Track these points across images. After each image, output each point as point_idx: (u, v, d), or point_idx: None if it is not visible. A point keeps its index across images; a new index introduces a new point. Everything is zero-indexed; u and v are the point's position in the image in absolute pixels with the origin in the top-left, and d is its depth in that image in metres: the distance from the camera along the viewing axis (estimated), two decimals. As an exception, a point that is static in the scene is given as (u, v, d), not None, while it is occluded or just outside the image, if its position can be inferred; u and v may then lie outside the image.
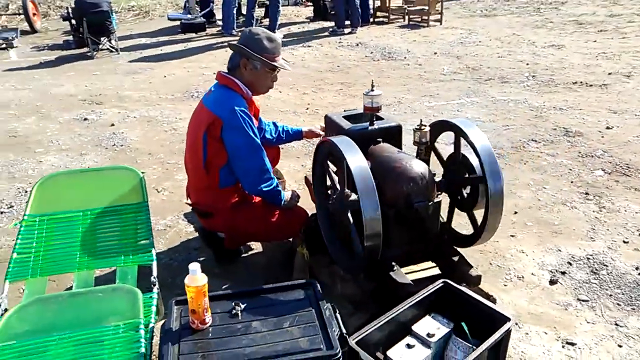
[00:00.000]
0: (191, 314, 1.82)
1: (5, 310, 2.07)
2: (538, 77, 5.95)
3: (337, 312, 1.95)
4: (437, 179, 2.36)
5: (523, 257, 2.81)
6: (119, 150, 4.35)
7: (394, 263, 2.21)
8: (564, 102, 5.14)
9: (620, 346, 2.20)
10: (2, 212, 3.40)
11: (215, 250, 2.83)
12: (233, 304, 1.92)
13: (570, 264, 2.73)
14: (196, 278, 1.78)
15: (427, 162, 2.44)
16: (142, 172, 2.56)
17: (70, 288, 2.23)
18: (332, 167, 2.42)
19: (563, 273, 2.66)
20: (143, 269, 2.30)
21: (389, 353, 1.86)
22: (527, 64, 6.47)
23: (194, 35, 9.08)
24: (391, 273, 2.18)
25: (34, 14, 9.62)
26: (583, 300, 2.47)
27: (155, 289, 2.17)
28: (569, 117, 4.75)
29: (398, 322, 1.94)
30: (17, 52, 8.18)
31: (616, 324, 2.32)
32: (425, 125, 2.38)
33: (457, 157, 2.37)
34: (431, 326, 1.94)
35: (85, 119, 5.04)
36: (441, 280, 2.05)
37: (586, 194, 3.42)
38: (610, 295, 2.50)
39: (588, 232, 3.02)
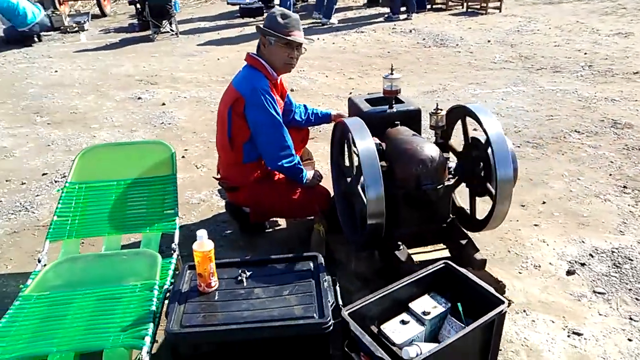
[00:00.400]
0: (198, 277, 1.97)
1: (44, 265, 2.31)
2: (595, 67, 5.69)
3: (337, 284, 2.05)
4: (453, 163, 2.39)
5: (543, 247, 2.77)
6: (167, 128, 4.59)
7: (400, 243, 2.26)
8: (618, 93, 4.90)
9: (630, 340, 2.15)
10: (56, 181, 3.71)
11: (240, 223, 2.98)
12: (240, 271, 2.06)
13: (592, 256, 2.67)
14: (203, 243, 1.92)
15: (444, 146, 2.46)
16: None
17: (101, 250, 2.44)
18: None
19: (582, 265, 2.61)
20: (168, 236, 2.48)
21: (383, 327, 1.93)
22: (585, 53, 6.19)
23: (251, 19, 9.29)
24: (396, 252, 2.24)
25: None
26: (599, 293, 2.42)
27: (175, 255, 2.34)
28: (620, 108, 4.54)
29: (395, 298, 2.00)
30: (87, 34, 8.70)
31: (630, 318, 2.27)
32: (441, 110, 2.40)
33: (472, 143, 2.38)
34: (428, 305, 1.99)
35: (139, 98, 5.35)
36: (442, 261, 2.09)
37: (624, 187, 3.30)
38: (630, 289, 2.43)
39: (618, 226, 2.92)
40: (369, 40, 7.37)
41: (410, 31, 7.67)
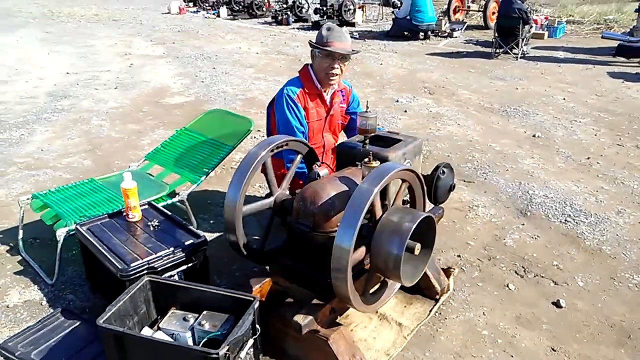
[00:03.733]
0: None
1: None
2: None
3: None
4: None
5: None
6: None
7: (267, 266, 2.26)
8: None
9: None
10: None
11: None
12: (155, 220, 2.55)
13: None
14: (126, 182, 2.51)
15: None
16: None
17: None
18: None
19: None
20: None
21: (174, 311, 2.07)
22: None
23: (622, 59, 8.04)
24: (252, 279, 2.26)
25: (493, 13, 10.55)
26: None
27: (175, 199, 2.97)
28: None
29: (203, 298, 2.08)
30: (451, 40, 9.43)
31: None
32: (374, 161, 2.12)
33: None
34: (215, 322, 1.99)
35: (397, 101, 5.83)
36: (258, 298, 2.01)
37: None
38: None
39: None
40: None
41: None
